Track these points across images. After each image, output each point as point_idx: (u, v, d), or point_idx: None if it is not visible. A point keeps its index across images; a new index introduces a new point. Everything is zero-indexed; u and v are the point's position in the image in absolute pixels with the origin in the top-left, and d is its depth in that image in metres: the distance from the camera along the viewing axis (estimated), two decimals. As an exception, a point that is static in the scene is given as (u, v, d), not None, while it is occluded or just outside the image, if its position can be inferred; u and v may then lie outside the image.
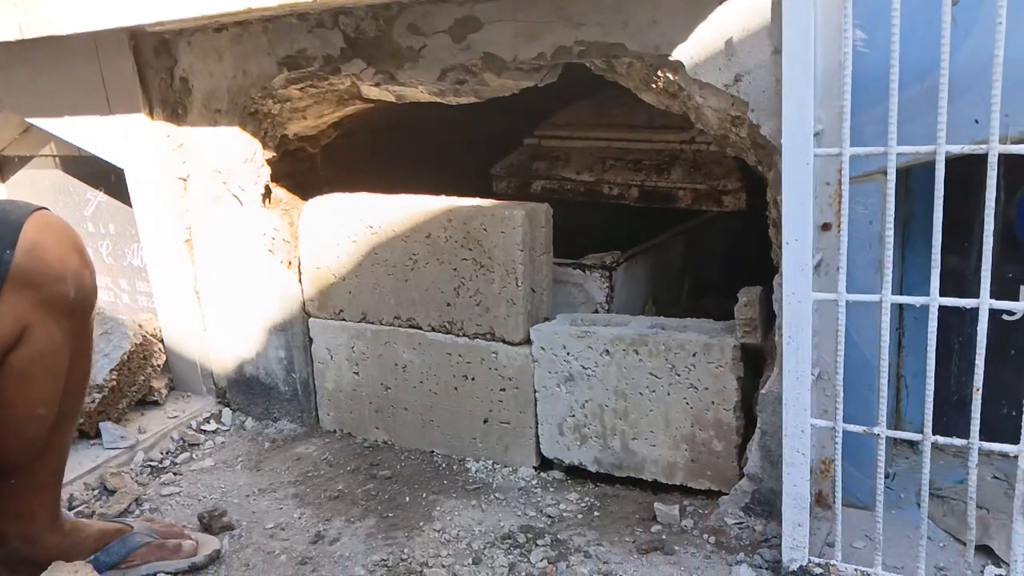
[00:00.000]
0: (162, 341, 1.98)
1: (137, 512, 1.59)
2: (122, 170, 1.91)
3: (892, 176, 1.01)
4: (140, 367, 1.86)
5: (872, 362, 1.30)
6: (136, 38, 1.80)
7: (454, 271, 1.64)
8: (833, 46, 1.13)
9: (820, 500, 1.36)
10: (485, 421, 1.69)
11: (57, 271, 1.14)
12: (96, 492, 1.66)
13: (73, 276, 1.17)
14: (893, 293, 1.05)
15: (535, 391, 1.61)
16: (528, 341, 1.60)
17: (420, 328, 1.72)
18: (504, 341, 1.63)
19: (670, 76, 1.31)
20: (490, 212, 1.59)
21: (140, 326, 1.91)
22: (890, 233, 1.02)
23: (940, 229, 0.99)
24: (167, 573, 1.36)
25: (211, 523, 1.50)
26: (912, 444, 1.57)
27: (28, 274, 1.11)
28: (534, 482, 1.62)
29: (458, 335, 1.68)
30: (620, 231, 1.99)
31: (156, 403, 1.96)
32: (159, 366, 1.92)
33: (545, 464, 1.66)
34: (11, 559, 1.31)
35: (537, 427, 1.63)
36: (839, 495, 1.17)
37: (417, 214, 1.65)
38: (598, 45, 1.34)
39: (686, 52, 1.27)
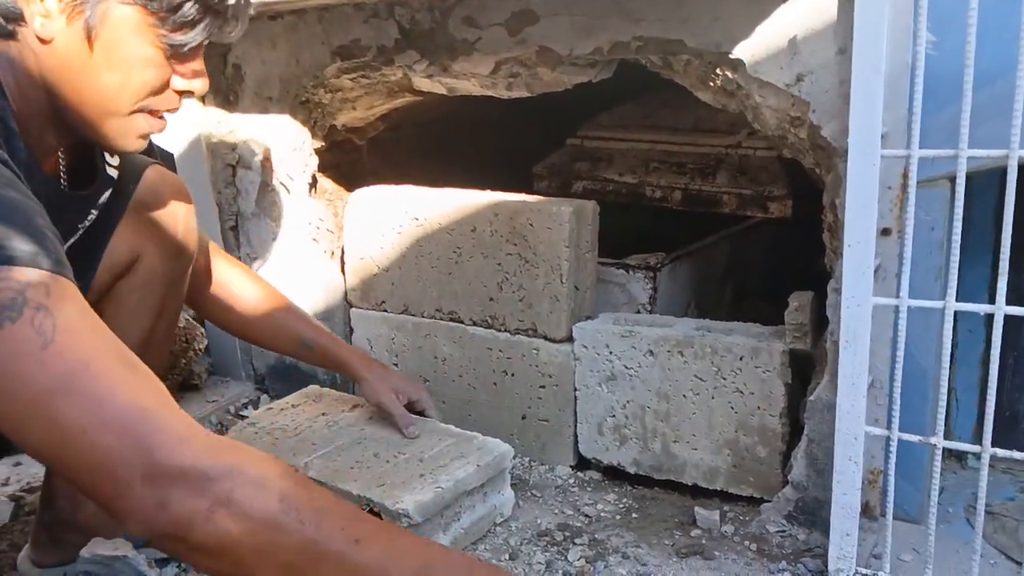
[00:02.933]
0: (204, 325, 1.99)
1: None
2: (171, 155, 1.93)
3: (962, 179, 0.99)
4: (182, 350, 1.87)
5: (927, 372, 1.28)
6: (191, 24, 1.81)
7: (498, 266, 1.63)
8: (900, 48, 1.11)
9: (865, 511, 1.34)
10: (523, 418, 1.68)
11: (170, 209, 1.24)
12: (135, 472, 1.67)
13: (183, 221, 1.26)
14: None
15: (575, 389, 1.60)
16: (570, 339, 1.59)
17: (461, 322, 1.72)
18: (546, 338, 1.62)
19: (729, 74, 1.30)
20: (537, 208, 1.58)
21: (184, 310, 1.92)
22: (957, 237, 1.00)
23: (1010, 234, 0.97)
24: (205, 554, 1.36)
25: None
26: (960, 459, 1.54)
27: (146, 208, 1.21)
28: (571, 481, 1.61)
29: (499, 330, 1.67)
30: (658, 234, 1.98)
31: (196, 387, 1.97)
32: (200, 350, 1.93)
33: (582, 463, 1.65)
34: (53, 522, 1.32)
35: (576, 426, 1.62)
36: (890, 506, 1.15)
37: (463, 207, 1.65)
38: (656, 41, 1.33)
39: (747, 50, 1.26)
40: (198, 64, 1.00)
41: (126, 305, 1.23)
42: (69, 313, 0.80)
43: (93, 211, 1.15)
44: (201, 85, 1.01)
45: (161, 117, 1.01)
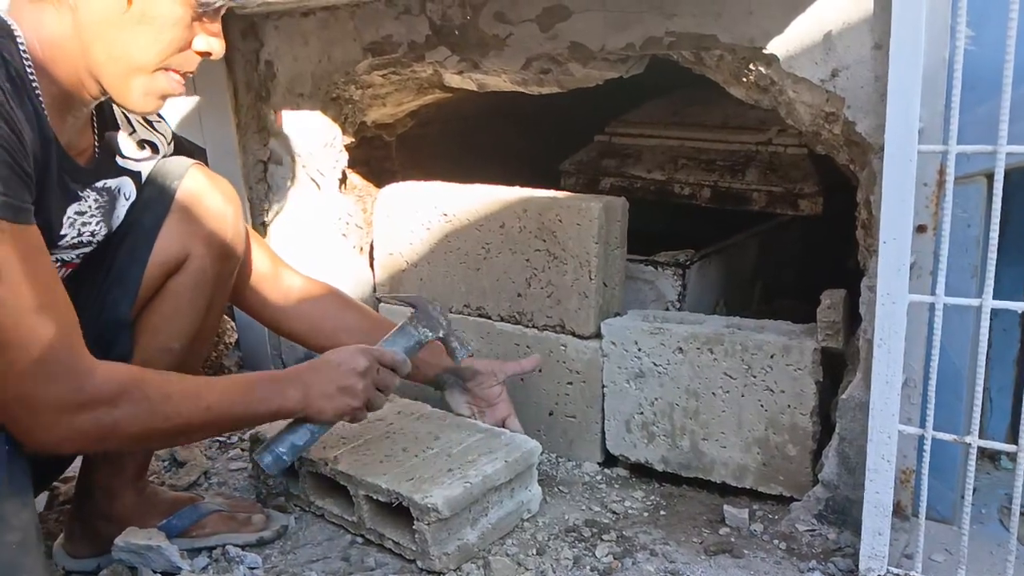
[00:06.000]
0: (234, 319, 2.01)
1: (205, 485, 1.62)
2: (204, 150, 1.95)
3: (1000, 175, 0.98)
4: (212, 344, 1.89)
5: (961, 370, 1.26)
6: (224, 20, 1.82)
7: (527, 262, 1.64)
8: (938, 43, 1.10)
9: (897, 511, 1.32)
10: (550, 414, 1.68)
11: (220, 210, 1.27)
12: (166, 463, 1.69)
13: (232, 220, 1.29)
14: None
15: (603, 386, 1.60)
16: (598, 335, 1.59)
17: (489, 318, 1.72)
18: (574, 334, 1.62)
19: (763, 70, 1.29)
20: (566, 204, 1.58)
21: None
22: (994, 234, 0.99)
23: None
24: (235, 544, 1.38)
25: (267, 500, 1.53)
26: (994, 459, 1.52)
27: (193, 207, 1.24)
28: (599, 478, 1.61)
29: (527, 326, 1.67)
30: (687, 232, 1.97)
31: (225, 380, 1.99)
32: (231, 344, 1.96)
33: (610, 460, 1.65)
34: (88, 515, 1.34)
35: (603, 422, 1.62)
36: (923, 505, 1.14)
37: (492, 203, 1.66)
38: (689, 36, 1.33)
39: (781, 45, 1.25)
40: (217, 27, 1.10)
41: (179, 303, 1.26)
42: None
43: (91, 191, 1.15)
44: (219, 46, 1.10)
45: (180, 78, 1.09)
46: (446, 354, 1.52)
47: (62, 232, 1.11)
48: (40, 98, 1.03)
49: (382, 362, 1.27)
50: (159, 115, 1.34)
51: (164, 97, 1.11)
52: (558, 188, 2.09)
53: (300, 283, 1.48)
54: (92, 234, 1.16)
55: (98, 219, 1.16)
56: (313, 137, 1.85)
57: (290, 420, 1.28)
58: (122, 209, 1.21)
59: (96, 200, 1.16)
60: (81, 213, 1.13)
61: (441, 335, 1.40)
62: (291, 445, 1.27)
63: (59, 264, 1.16)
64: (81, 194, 1.13)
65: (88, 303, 1.20)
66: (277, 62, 1.83)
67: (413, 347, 1.36)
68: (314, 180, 1.88)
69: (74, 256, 1.18)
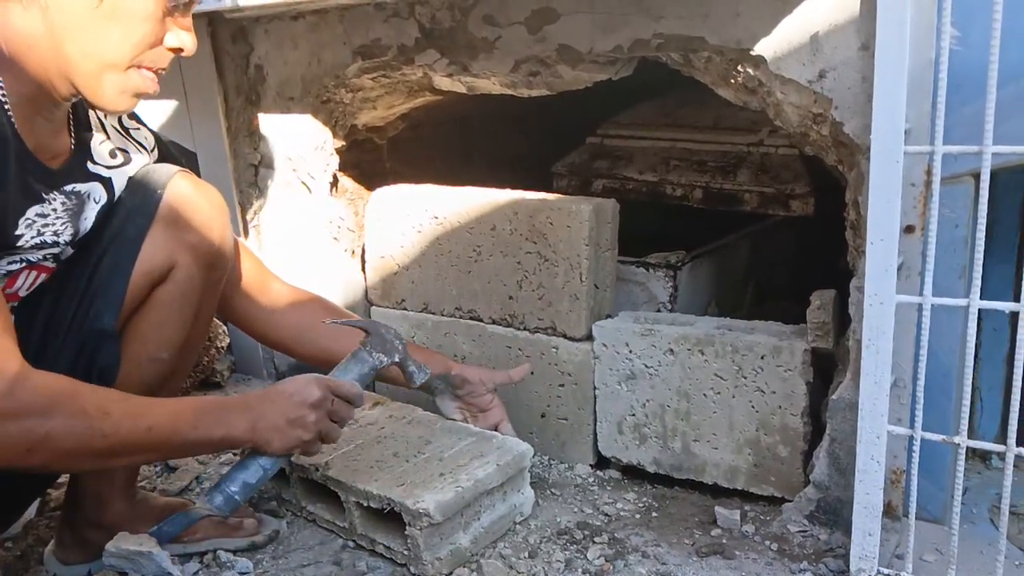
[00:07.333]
0: (226, 323, 2.00)
1: (198, 490, 1.62)
2: (194, 154, 1.95)
3: (986, 176, 0.98)
4: (204, 348, 1.89)
5: (950, 370, 1.26)
6: (214, 24, 1.83)
7: (517, 264, 1.64)
8: (924, 43, 1.10)
9: (887, 511, 1.33)
10: (542, 416, 1.68)
11: (206, 218, 1.25)
12: (158, 468, 1.69)
13: (219, 228, 1.27)
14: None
15: (595, 388, 1.60)
16: (590, 337, 1.59)
17: (481, 320, 1.72)
18: (565, 336, 1.62)
19: (751, 71, 1.29)
20: (556, 206, 1.58)
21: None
22: (981, 234, 0.99)
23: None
24: (227, 549, 1.37)
25: (258, 504, 1.52)
26: (984, 459, 1.52)
27: (179, 215, 1.23)
28: (591, 480, 1.61)
29: (519, 328, 1.67)
30: (679, 233, 1.97)
31: (218, 384, 1.99)
32: (223, 348, 1.95)
33: (602, 462, 1.65)
34: (78, 522, 1.34)
35: (595, 425, 1.62)
36: (913, 505, 1.14)
37: (483, 206, 1.66)
38: (677, 38, 1.33)
39: (769, 46, 1.25)
40: (188, 22, 1.09)
41: (166, 312, 1.24)
42: None
43: (58, 194, 1.13)
44: (191, 42, 1.09)
45: (153, 76, 1.08)
46: (439, 360, 1.52)
47: (17, 232, 1.08)
48: (3, 96, 1.01)
49: (337, 393, 1.22)
50: (140, 122, 1.33)
51: (138, 95, 1.09)
52: (550, 190, 2.09)
53: (287, 292, 1.47)
54: (55, 234, 1.13)
55: (64, 220, 1.14)
56: (303, 141, 1.85)
57: (240, 455, 1.25)
58: (91, 212, 1.19)
59: (63, 203, 1.14)
60: (43, 215, 1.11)
61: (397, 359, 1.33)
62: (243, 484, 1.22)
63: (24, 264, 1.14)
64: (45, 196, 1.11)
65: (71, 314, 1.19)
66: (267, 66, 1.83)
67: (368, 373, 1.30)
68: (305, 184, 1.88)
69: (40, 256, 1.15)
